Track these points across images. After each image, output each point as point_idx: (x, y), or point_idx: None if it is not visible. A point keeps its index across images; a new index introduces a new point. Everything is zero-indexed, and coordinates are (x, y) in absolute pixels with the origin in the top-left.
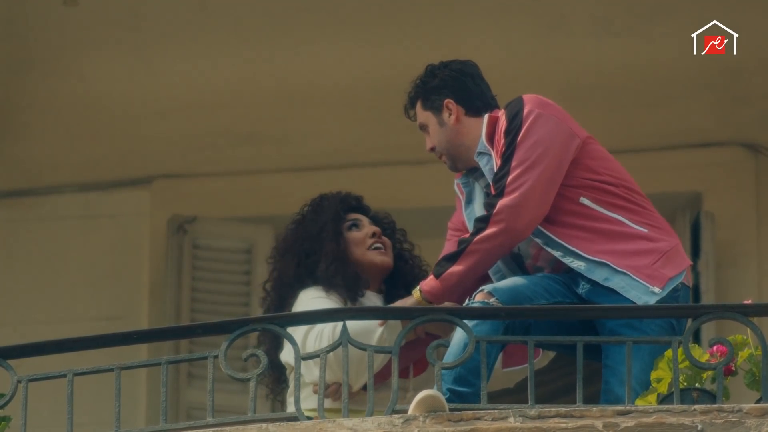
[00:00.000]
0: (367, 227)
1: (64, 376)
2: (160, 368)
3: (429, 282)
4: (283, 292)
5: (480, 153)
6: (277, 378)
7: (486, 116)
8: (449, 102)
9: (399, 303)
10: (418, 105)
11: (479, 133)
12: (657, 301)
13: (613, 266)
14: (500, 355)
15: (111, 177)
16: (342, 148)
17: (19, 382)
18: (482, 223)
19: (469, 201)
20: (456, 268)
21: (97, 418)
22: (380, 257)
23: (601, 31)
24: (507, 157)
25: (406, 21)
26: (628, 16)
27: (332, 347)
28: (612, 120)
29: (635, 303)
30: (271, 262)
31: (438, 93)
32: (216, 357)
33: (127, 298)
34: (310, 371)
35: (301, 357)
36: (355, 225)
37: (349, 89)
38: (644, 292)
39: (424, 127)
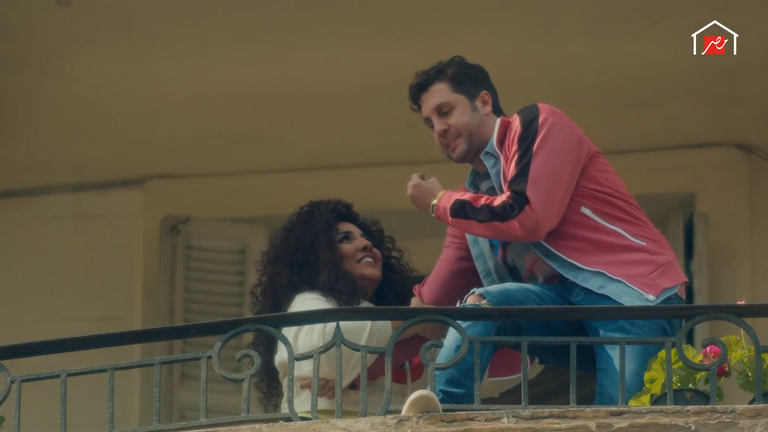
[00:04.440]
0: (358, 240)
1: (58, 376)
2: (154, 368)
3: (445, 212)
4: (276, 298)
5: (487, 153)
6: (270, 383)
7: (499, 120)
8: (486, 94)
9: (423, 185)
10: (446, 86)
11: (492, 132)
12: None
13: (609, 275)
14: (488, 365)
15: (104, 177)
16: (335, 149)
17: (12, 382)
18: (507, 216)
19: None
20: (470, 223)
21: (91, 419)
22: (369, 269)
23: (595, 32)
24: (525, 165)
25: (399, 22)
26: (622, 17)
27: (326, 348)
28: (606, 120)
29: None
30: (261, 269)
31: (475, 82)
32: (209, 357)
33: (121, 298)
34: (299, 366)
35: (295, 358)
36: (347, 237)
37: (342, 90)
38: (638, 299)
39: (443, 107)
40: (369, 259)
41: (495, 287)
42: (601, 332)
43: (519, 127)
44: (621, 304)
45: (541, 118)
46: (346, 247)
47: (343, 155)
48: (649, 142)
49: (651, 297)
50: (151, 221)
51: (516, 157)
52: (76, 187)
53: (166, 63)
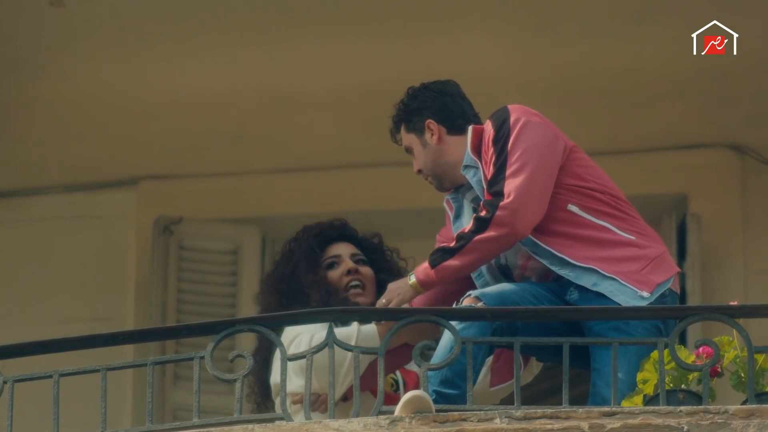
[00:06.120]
0: (343, 264)
1: (50, 377)
2: (146, 369)
3: (424, 271)
4: None
5: (466, 166)
6: (263, 398)
7: (470, 128)
8: (430, 122)
9: (392, 285)
10: (402, 128)
11: (464, 150)
12: None
13: (602, 272)
14: (488, 375)
15: (97, 178)
16: (328, 150)
17: (5, 382)
18: (483, 223)
19: (458, 216)
20: (453, 262)
21: (83, 419)
22: (357, 299)
23: (588, 33)
24: (501, 164)
25: (393, 24)
26: (616, 19)
27: (319, 348)
28: (599, 121)
29: None
30: (258, 299)
31: (419, 114)
32: (202, 358)
33: (114, 298)
34: (291, 381)
35: (288, 358)
36: (334, 264)
37: (335, 91)
38: (632, 297)
39: (410, 150)
40: (356, 282)
41: (491, 289)
42: (596, 329)
43: (492, 131)
44: (616, 302)
45: (512, 119)
46: (332, 275)
47: (337, 156)
48: (642, 143)
49: (645, 294)
50: (143, 222)
51: (492, 160)
52: (68, 187)
53: (159, 64)
